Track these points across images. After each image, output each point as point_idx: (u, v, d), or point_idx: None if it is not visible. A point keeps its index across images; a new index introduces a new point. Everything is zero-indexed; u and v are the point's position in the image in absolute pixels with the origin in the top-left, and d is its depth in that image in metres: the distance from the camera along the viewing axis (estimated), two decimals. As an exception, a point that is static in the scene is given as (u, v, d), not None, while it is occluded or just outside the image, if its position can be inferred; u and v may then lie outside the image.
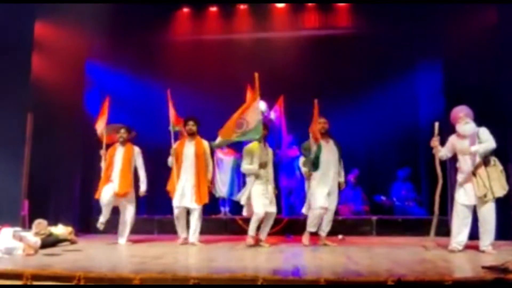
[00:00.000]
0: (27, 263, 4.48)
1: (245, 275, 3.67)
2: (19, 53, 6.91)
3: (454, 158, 5.47)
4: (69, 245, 5.93)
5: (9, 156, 6.68)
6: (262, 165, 5.80)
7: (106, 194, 6.03)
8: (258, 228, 5.78)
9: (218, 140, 6.13)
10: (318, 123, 5.75)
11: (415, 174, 8.34)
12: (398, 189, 8.45)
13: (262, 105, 7.62)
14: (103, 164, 6.23)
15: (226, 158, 8.19)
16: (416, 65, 8.42)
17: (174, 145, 6.10)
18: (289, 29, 8.14)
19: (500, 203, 5.77)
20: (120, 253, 5.38)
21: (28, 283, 3.71)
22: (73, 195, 7.57)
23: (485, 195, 4.98)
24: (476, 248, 5.14)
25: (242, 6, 8.09)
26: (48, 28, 7.24)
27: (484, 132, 5.07)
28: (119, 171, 6.12)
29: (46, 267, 4.14)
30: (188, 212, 6.02)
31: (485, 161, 5.06)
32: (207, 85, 8.53)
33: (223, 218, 7.88)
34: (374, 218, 7.27)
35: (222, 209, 8.18)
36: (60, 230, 6.17)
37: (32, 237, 5.31)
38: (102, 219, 6.06)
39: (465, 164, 5.17)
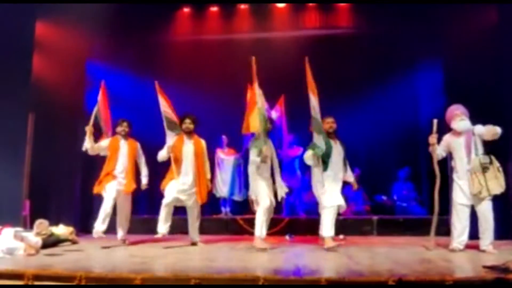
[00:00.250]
0: (28, 263, 4.47)
1: (246, 275, 3.67)
2: (20, 53, 6.91)
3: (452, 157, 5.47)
4: (70, 245, 5.94)
5: (10, 156, 6.68)
6: (265, 159, 5.54)
7: (111, 193, 5.81)
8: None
9: (257, 136, 5.70)
10: (326, 123, 5.60)
11: (415, 174, 8.34)
12: (399, 189, 8.45)
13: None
14: (87, 142, 5.85)
15: (227, 158, 8.20)
16: (416, 65, 8.43)
17: (171, 142, 5.87)
18: (289, 29, 8.14)
19: (500, 202, 5.78)
20: (121, 253, 5.38)
21: (30, 283, 3.71)
22: (74, 195, 7.57)
23: (480, 192, 4.99)
24: (476, 247, 5.14)
25: (243, 6, 8.10)
26: (49, 28, 7.25)
27: (481, 126, 5.13)
28: (125, 167, 6.01)
29: (47, 267, 4.14)
30: (184, 211, 5.97)
31: (481, 159, 5.07)
32: (208, 85, 8.54)
33: (224, 218, 7.87)
34: (375, 218, 7.26)
35: (223, 209, 8.17)
36: (61, 230, 6.17)
37: (33, 237, 5.31)
38: (102, 227, 5.72)
39: (460, 162, 5.18)
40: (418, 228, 6.73)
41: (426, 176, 7.87)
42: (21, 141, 6.82)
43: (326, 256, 5.02)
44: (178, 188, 5.69)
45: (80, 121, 7.57)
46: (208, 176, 6.13)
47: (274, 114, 7.72)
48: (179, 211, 6.02)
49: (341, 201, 5.51)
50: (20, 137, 6.82)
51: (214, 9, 8.22)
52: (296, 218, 7.57)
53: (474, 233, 5.21)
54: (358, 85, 8.38)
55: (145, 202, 7.80)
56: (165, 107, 5.96)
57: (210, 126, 8.02)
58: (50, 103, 7.16)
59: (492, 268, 3.79)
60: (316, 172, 5.55)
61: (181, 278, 3.63)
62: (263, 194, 5.49)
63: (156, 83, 6.03)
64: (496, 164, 5.07)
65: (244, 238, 6.01)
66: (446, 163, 5.84)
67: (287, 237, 6.70)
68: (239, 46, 8.32)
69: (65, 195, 7.43)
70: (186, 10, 8.24)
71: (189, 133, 5.97)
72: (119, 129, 6.13)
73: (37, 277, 3.76)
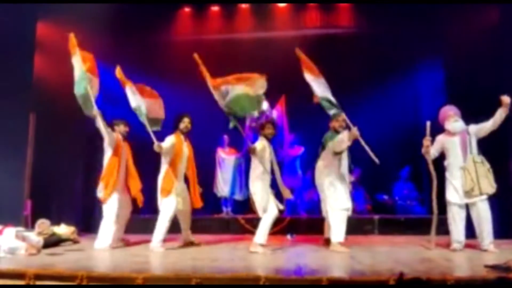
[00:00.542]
0: (30, 262, 4.48)
1: (248, 275, 3.67)
2: (21, 53, 6.92)
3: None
4: (71, 245, 5.93)
5: (11, 156, 6.68)
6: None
7: (115, 204, 5.60)
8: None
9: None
10: (336, 121, 5.54)
11: (416, 173, 8.33)
12: (400, 189, 8.45)
13: (264, 104, 7.63)
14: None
15: (228, 158, 8.19)
16: (416, 64, 8.41)
17: (173, 139, 5.55)
18: (290, 29, 8.13)
19: (501, 201, 5.78)
20: (122, 253, 5.37)
21: (31, 283, 3.71)
22: (75, 194, 7.57)
23: (472, 189, 5.02)
24: (477, 247, 5.13)
25: (244, 6, 8.09)
26: (50, 28, 7.25)
27: (475, 125, 5.20)
28: (129, 171, 5.82)
29: (49, 266, 4.14)
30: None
31: (475, 158, 5.13)
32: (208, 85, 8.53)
33: (225, 217, 7.86)
34: (376, 217, 7.25)
35: (224, 208, 8.16)
36: (63, 229, 6.16)
37: (35, 237, 5.32)
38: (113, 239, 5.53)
39: (455, 161, 5.20)
40: (419, 227, 6.71)
41: (427, 175, 7.84)
42: (23, 141, 6.83)
43: (327, 255, 5.02)
44: (176, 193, 5.52)
45: (81, 121, 7.59)
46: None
47: (275, 114, 7.74)
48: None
49: (350, 203, 5.43)
50: (21, 137, 6.83)
51: (215, 8, 8.21)
52: (297, 217, 7.57)
53: (473, 232, 5.21)
54: (359, 84, 8.36)
55: (145, 202, 7.79)
56: (142, 99, 5.62)
57: (211, 125, 8.03)
58: (51, 103, 7.15)
59: (494, 267, 3.78)
60: (326, 172, 5.46)
61: (182, 277, 3.63)
62: (272, 202, 5.30)
63: (118, 68, 5.78)
64: (487, 165, 5.12)
65: (246, 238, 6.00)
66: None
67: (288, 236, 6.69)
68: (240, 46, 8.32)
69: (67, 195, 7.43)
70: (187, 9, 8.24)
71: (187, 134, 5.74)
72: (123, 129, 5.91)
73: (39, 276, 3.76)
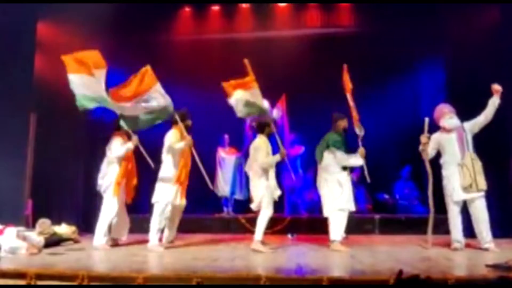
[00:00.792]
0: (31, 262, 4.48)
1: (248, 274, 3.67)
2: (22, 53, 6.91)
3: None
4: (72, 244, 5.94)
5: (12, 156, 6.67)
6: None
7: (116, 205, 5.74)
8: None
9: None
10: (343, 121, 5.63)
11: (417, 173, 8.32)
12: (401, 188, 8.45)
13: (264, 103, 7.62)
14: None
15: (228, 157, 8.20)
16: (417, 64, 8.41)
17: (177, 134, 5.59)
18: (291, 28, 8.13)
19: (501, 200, 5.78)
20: (123, 252, 5.38)
21: (32, 283, 3.71)
22: (76, 194, 7.57)
23: (470, 185, 5.04)
24: (478, 246, 5.12)
25: (244, 5, 8.09)
26: (50, 29, 7.25)
27: (469, 122, 5.25)
28: (132, 169, 5.92)
29: (50, 266, 4.15)
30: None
31: (471, 155, 5.16)
32: (209, 84, 8.51)
33: (226, 217, 7.87)
34: (377, 216, 7.25)
35: (225, 208, 8.17)
36: (64, 229, 6.17)
37: (36, 237, 5.32)
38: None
39: (453, 158, 5.21)
40: (419, 226, 6.67)
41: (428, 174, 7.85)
42: (23, 141, 6.82)
43: (328, 255, 5.02)
44: (176, 190, 5.53)
45: (81, 121, 7.60)
46: None
47: (276, 113, 7.73)
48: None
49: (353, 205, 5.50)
50: (22, 137, 6.82)
51: (215, 8, 8.21)
52: (298, 217, 7.57)
53: (471, 231, 5.22)
54: (360, 84, 8.31)
55: (146, 201, 7.79)
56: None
57: (212, 125, 8.03)
58: (51, 103, 7.15)
59: (495, 266, 3.78)
60: (335, 171, 5.48)
61: (183, 277, 3.63)
62: (270, 201, 5.38)
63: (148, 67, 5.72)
64: (480, 162, 5.15)
65: (246, 237, 6.00)
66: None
67: (289, 236, 6.69)
68: (240, 45, 8.30)
69: (67, 195, 7.43)
70: (187, 9, 8.24)
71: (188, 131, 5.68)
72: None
73: (40, 276, 3.76)
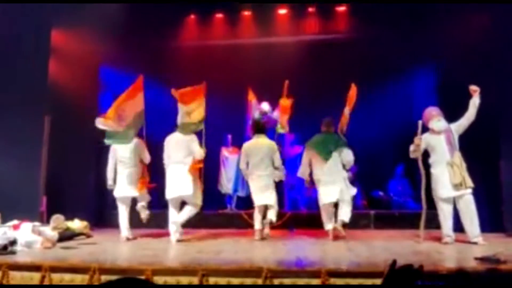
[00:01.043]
0: (46, 255, 4.51)
1: (251, 266, 3.68)
2: (37, 59, 6.92)
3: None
4: (84, 239, 5.96)
5: (28, 156, 6.70)
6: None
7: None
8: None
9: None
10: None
11: (410, 171, 8.31)
12: (395, 185, 8.43)
13: (265, 105, 7.65)
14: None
15: (231, 157, 8.19)
16: (411, 68, 8.39)
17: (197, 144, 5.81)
18: (290, 35, 8.16)
19: (490, 197, 5.76)
20: (133, 246, 5.40)
21: (46, 275, 3.74)
22: (88, 191, 7.60)
23: (460, 183, 5.04)
24: (467, 240, 5.12)
25: (247, 13, 8.12)
26: (64, 35, 7.27)
27: (454, 123, 5.28)
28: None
29: (63, 259, 4.17)
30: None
31: (459, 155, 5.18)
32: (214, 87, 8.52)
33: (229, 213, 7.89)
34: (372, 212, 7.24)
35: (228, 205, 8.18)
36: (76, 224, 6.19)
37: (50, 231, 5.34)
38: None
39: (442, 157, 5.21)
40: (412, 221, 6.66)
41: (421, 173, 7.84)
42: (38, 142, 6.85)
43: (326, 248, 5.03)
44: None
45: (93, 123, 7.62)
46: None
47: (276, 115, 7.74)
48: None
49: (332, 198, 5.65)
50: (37, 138, 6.84)
51: (219, 16, 8.24)
52: (297, 212, 7.58)
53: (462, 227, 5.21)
54: (356, 86, 8.35)
55: (156, 197, 7.81)
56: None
57: (216, 125, 8.03)
58: (65, 107, 7.17)
59: (483, 259, 3.78)
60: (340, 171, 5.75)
61: (189, 269, 3.65)
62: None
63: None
64: (464, 163, 5.17)
65: (248, 232, 6.01)
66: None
67: (289, 230, 6.70)
68: (243, 51, 8.34)
69: (80, 192, 7.44)
70: (193, 17, 8.26)
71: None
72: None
73: (54, 268, 3.78)
